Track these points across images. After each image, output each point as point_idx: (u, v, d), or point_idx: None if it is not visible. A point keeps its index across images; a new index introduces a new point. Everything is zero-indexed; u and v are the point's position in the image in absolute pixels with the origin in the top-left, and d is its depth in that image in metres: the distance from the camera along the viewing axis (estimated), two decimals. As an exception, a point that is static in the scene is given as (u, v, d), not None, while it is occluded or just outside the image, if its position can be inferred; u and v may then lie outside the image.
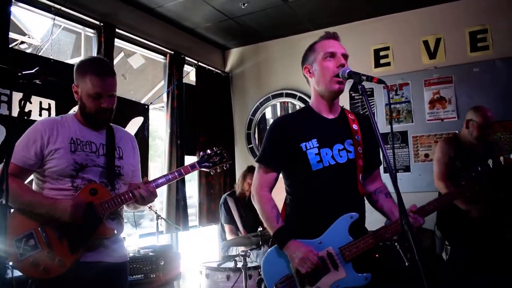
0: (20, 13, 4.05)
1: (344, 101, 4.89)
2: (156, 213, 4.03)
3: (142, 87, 5.81)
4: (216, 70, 5.84)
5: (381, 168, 2.28)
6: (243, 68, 5.98)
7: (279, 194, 2.36)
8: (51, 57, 3.67)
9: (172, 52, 4.95)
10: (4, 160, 1.52)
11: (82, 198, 2.02)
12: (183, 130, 4.90)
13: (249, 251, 3.43)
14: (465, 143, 3.62)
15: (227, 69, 6.08)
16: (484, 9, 4.56)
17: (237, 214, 4.40)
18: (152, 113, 4.84)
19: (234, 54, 6.07)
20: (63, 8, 3.68)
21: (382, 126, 4.93)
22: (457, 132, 4.09)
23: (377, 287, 1.95)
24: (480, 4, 4.59)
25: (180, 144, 4.83)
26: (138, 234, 4.28)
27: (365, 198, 2.17)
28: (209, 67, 5.65)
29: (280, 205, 2.29)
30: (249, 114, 5.82)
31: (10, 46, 3.65)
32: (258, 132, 5.80)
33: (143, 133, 4.49)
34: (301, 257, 1.90)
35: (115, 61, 4.53)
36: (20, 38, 4.41)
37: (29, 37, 4.45)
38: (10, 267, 2.09)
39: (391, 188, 1.81)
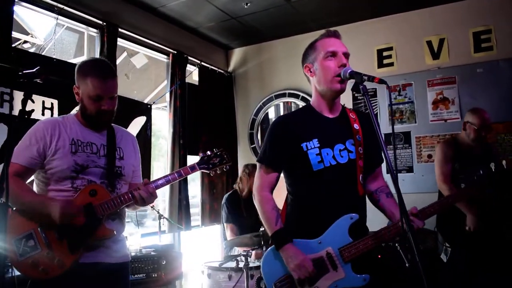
0: (23, 13, 4.06)
1: (347, 101, 4.87)
2: (158, 212, 4.04)
3: (145, 86, 5.82)
4: (219, 70, 5.84)
5: (384, 168, 2.27)
6: (246, 68, 5.98)
7: (281, 195, 2.36)
8: (54, 57, 3.69)
9: (175, 52, 4.96)
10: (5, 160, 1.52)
11: (79, 199, 2.02)
12: (186, 129, 4.91)
13: (250, 251, 3.43)
14: (463, 145, 3.62)
15: (230, 69, 6.08)
16: (488, 9, 4.54)
17: (239, 213, 4.39)
18: (156, 113, 4.85)
19: (237, 54, 6.07)
20: (66, 8, 3.69)
21: (386, 126, 4.91)
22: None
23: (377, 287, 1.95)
24: (484, 5, 4.57)
25: (183, 143, 4.83)
26: (140, 233, 4.28)
27: (366, 198, 2.16)
28: (212, 67, 5.65)
29: (280, 205, 2.29)
30: (252, 114, 5.82)
31: (13, 45, 3.66)
32: (261, 132, 5.80)
33: (145, 133, 4.49)
34: (297, 263, 1.89)
35: (118, 61, 4.53)
36: (23, 37, 4.43)
37: (32, 37, 4.47)
38: (11, 266, 2.10)
39: (392, 188, 1.80)
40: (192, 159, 4.94)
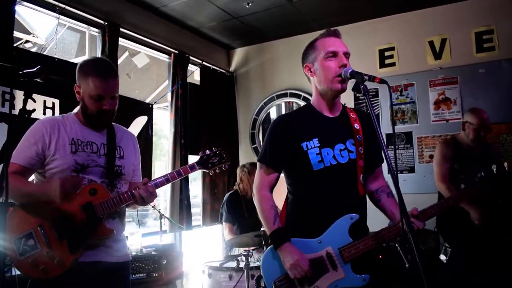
0: (24, 12, 4.07)
1: (349, 101, 4.86)
2: (159, 212, 4.04)
3: (147, 86, 5.82)
4: (221, 70, 5.84)
5: (385, 168, 2.26)
6: (247, 67, 5.98)
7: (281, 195, 2.36)
8: (56, 56, 3.69)
9: (177, 52, 4.96)
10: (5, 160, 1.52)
11: (80, 198, 2.02)
12: (187, 129, 4.91)
13: (251, 251, 3.43)
14: (462, 145, 3.63)
15: (232, 68, 6.08)
16: (490, 9, 4.53)
17: (240, 214, 4.39)
18: (157, 113, 4.86)
19: (238, 54, 6.07)
20: (67, 7, 3.70)
21: (387, 126, 4.90)
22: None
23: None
24: (486, 5, 4.56)
25: (184, 143, 4.83)
26: (141, 233, 4.29)
27: (367, 198, 2.16)
28: (214, 67, 5.65)
29: (280, 205, 2.28)
30: (254, 114, 5.82)
31: (15, 45, 3.67)
32: (262, 132, 5.80)
33: (147, 132, 4.50)
34: (292, 263, 1.90)
35: (119, 60, 4.54)
36: (24, 37, 4.43)
37: (33, 36, 4.48)
38: (12, 266, 2.10)
39: (393, 188, 1.79)
40: (193, 159, 4.92)
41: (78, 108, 2.20)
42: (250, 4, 4.56)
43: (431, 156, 4.69)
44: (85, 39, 4.25)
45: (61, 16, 3.69)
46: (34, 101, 1.72)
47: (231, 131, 5.85)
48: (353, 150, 2.04)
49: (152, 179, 2.17)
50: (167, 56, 4.98)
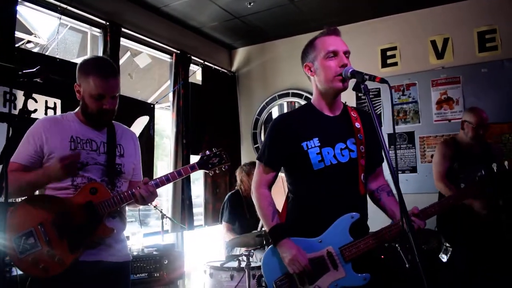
0: (26, 12, 4.07)
1: (350, 101, 4.86)
2: (161, 212, 4.04)
3: (148, 86, 5.83)
4: (222, 70, 5.84)
5: (386, 168, 2.25)
6: (249, 67, 5.98)
7: (282, 195, 2.35)
8: (57, 56, 3.69)
9: (178, 52, 4.96)
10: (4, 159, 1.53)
11: (80, 197, 2.02)
12: (189, 129, 4.91)
13: (252, 250, 3.43)
14: (462, 144, 3.65)
15: (233, 68, 6.08)
16: (492, 9, 4.52)
17: (241, 213, 4.39)
18: (159, 113, 4.86)
19: (240, 54, 6.07)
20: (69, 8, 3.70)
21: (389, 126, 4.88)
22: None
23: (377, 287, 1.94)
24: (488, 4, 4.54)
25: (186, 143, 4.83)
26: (142, 233, 4.29)
27: (367, 197, 2.15)
28: (215, 67, 5.65)
29: (280, 205, 2.28)
30: (255, 113, 5.82)
31: (17, 45, 3.68)
32: (264, 131, 5.79)
33: (148, 132, 4.50)
34: (290, 258, 1.91)
35: (121, 60, 4.54)
36: (26, 37, 4.44)
37: (35, 36, 4.48)
38: (13, 265, 2.10)
39: (393, 186, 1.78)
40: (195, 159, 4.91)
41: (78, 107, 2.21)
42: (251, 4, 4.56)
43: (433, 156, 4.67)
44: (87, 39, 4.26)
45: (63, 16, 3.70)
46: (35, 101, 1.73)
47: (233, 131, 5.85)
48: (354, 149, 2.03)
49: (152, 179, 2.17)
50: (169, 56, 4.99)
